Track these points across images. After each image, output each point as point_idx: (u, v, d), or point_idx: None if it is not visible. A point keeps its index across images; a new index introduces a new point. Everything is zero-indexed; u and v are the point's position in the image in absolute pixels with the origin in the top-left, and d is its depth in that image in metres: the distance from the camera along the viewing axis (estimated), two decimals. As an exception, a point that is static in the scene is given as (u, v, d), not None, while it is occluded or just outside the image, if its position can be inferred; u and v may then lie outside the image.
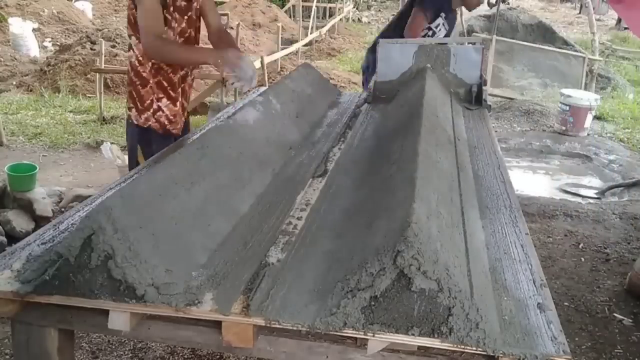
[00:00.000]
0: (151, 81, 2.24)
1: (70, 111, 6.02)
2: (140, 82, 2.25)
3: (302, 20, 10.79)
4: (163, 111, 2.29)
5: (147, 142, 2.30)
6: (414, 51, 3.03)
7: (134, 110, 2.29)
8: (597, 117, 6.05)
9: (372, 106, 2.90)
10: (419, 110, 2.11)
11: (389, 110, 2.72)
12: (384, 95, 2.99)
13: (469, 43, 3.12)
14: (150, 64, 2.23)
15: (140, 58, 2.23)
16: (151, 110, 2.27)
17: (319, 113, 2.76)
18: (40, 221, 3.21)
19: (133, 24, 2.20)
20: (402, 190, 1.43)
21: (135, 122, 2.29)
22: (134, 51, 2.25)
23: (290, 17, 12.86)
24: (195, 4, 2.30)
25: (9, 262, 1.35)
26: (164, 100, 2.28)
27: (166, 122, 2.31)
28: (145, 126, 2.29)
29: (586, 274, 2.97)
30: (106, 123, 5.55)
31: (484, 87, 2.94)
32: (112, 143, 4.12)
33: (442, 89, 2.87)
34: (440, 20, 3.44)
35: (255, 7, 12.29)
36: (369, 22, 15.35)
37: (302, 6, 11.52)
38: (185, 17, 2.27)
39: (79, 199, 3.39)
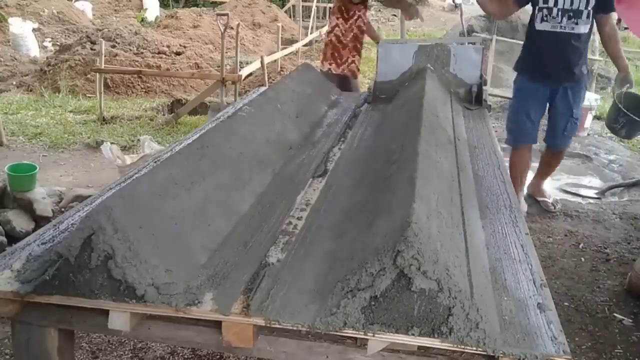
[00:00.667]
0: (350, 45, 3.88)
1: (70, 111, 6.01)
2: (342, 46, 3.86)
3: (302, 20, 10.76)
4: (355, 63, 3.94)
5: (342, 85, 3.67)
6: (414, 51, 3.04)
7: (333, 64, 3.89)
8: (597, 117, 6.03)
9: (372, 106, 2.91)
10: (419, 110, 2.11)
11: (389, 110, 2.73)
12: (384, 95, 2.99)
13: (469, 43, 3.12)
14: (351, 35, 3.86)
15: (344, 31, 3.84)
16: (346, 64, 3.89)
17: (319, 113, 2.76)
18: (40, 221, 3.20)
19: (341, 10, 3.82)
20: (402, 190, 1.43)
21: (334, 72, 3.86)
22: (339, 27, 3.85)
23: (290, 17, 12.83)
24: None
25: (9, 262, 1.35)
26: (357, 56, 3.94)
27: (355, 70, 3.96)
28: (342, 74, 3.88)
29: (586, 274, 2.97)
30: (106, 123, 5.53)
31: (484, 87, 2.94)
32: (112, 143, 4.11)
33: (442, 89, 2.87)
34: None
35: (255, 7, 12.28)
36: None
37: (302, 6, 11.49)
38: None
39: (79, 199, 3.38)
